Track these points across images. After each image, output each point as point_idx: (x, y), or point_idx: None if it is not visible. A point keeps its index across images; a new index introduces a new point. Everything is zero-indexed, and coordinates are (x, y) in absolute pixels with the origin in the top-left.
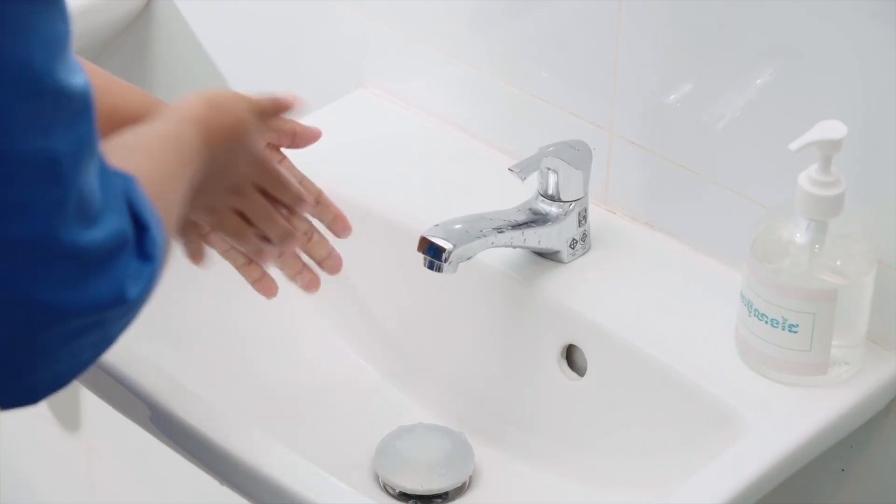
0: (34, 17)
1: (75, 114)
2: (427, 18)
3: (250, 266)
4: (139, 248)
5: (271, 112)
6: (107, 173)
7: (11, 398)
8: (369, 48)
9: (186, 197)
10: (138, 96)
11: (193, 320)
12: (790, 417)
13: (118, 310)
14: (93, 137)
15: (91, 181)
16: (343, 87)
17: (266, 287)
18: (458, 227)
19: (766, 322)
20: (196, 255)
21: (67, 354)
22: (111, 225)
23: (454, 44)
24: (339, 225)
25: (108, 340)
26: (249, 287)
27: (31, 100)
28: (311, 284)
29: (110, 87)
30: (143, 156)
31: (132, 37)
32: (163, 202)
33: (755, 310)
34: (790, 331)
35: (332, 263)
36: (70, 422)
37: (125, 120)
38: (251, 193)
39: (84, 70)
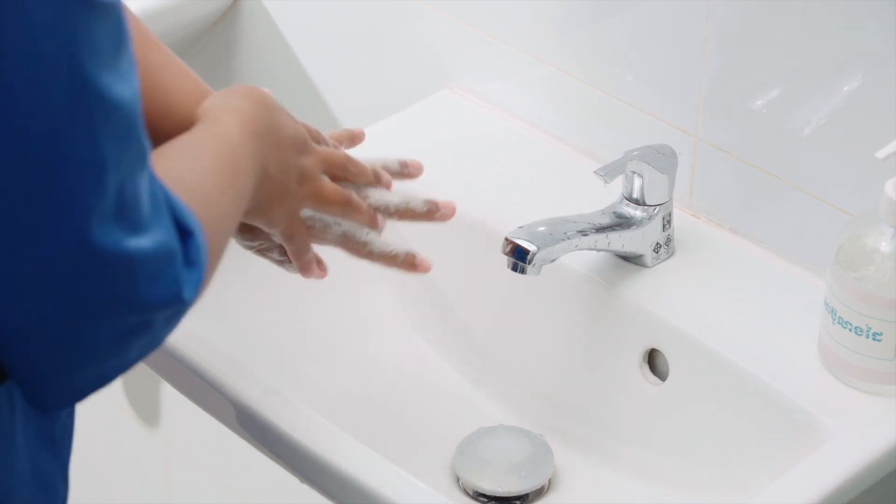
0: (79, 22)
1: (121, 122)
2: (513, 20)
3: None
4: (185, 255)
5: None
6: (154, 183)
7: (57, 398)
8: (454, 49)
9: (267, 206)
10: (192, 83)
11: (275, 323)
12: (871, 426)
13: (169, 310)
14: (140, 147)
15: (139, 189)
16: (427, 88)
17: (314, 270)
18: (542, 229)
19: (850, 330)
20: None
21: (114, 353)
22: (159, 235)
23: (540, 46)
24: (434, 208)
25: (155, 342)
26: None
27: (76, 103)
28: (421, 265)
29: (168, 66)
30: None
31: (218, 35)
32: (205, 201)
33: (839, 318)
34: (874, 339)
35: (442, 214)
36: (149, 416)
37: (176, 103)
38: (323, 183)
39: (135, 78)
